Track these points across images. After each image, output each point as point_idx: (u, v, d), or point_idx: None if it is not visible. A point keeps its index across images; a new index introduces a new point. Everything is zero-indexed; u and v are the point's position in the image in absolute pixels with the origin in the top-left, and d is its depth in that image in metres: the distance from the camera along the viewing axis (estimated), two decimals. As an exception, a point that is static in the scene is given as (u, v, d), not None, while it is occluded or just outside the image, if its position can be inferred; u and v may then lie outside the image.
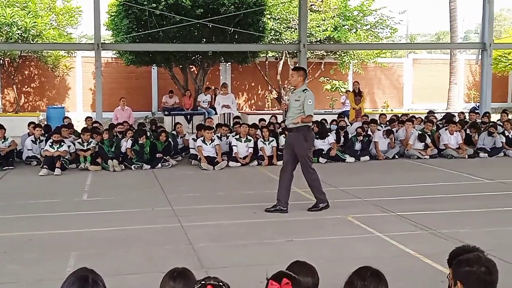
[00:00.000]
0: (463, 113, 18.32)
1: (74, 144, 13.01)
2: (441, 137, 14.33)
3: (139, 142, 12.80)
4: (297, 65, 21.29)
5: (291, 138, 8.50)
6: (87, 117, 16.54)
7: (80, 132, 13.79)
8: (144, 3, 18.72)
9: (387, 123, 15.40)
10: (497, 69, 26.67)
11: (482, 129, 14.99)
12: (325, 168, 12.71)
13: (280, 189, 8.48)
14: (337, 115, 17.22)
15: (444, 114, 19.18)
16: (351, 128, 15.29)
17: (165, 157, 12.93)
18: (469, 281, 2.91)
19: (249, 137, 13.18)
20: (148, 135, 13.61)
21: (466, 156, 13.87)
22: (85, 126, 14.95)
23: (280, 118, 16.21)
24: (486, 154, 14.02)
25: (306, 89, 8.44)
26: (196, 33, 19.80)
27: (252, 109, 25.99)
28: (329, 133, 13.99)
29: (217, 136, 13.26)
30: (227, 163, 12.76)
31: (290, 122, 8.40)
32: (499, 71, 27.34)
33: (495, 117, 18.07)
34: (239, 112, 20.05)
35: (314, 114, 8.56)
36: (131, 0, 18.92)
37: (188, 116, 20.00)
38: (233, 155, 13.03)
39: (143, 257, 6.29)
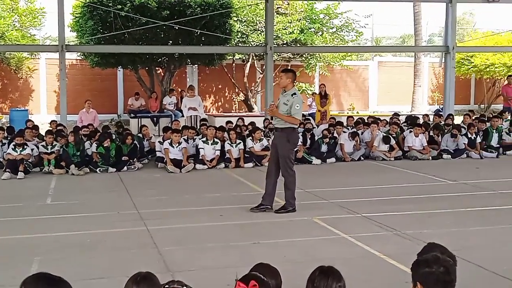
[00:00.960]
0: (427, 115, 18.56)
1: (38, 147, 12.80)
2: (405, 139, 14.52)
3: (105, 145, 12.66)
4: (264, 67, 21.37)
5: (276, 138, 8.68)
6: (52, 121, 16.30)
7: (43, 135, 13.57)
8: (110, 4, 18.55)
9: (353, 125, 15.54)
10: (460, 72, 27.15)
11: (446, 131, 15.23)
12: (291, 170, 12.77)
13: (266, 191, 8.62)
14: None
15: (407, 116, 19.44)
16: (317, 131, 15.41)
17: (131, 160, 12.81)
18: (428, 282, 2.95)
19: (216, 140, 13.15)
20: (114, 138, 13.47)
21: (430, 157, 14.08)
22: (49, 128, 14.71)
23: (247, 121, 16.21)
24: (449, 156, 14.26)
25: (295, 94, 8.51)
26: (162, 35, 19.70)
27: (219, 111, 25.96)
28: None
29: (183, 139, 13.19)
30: (194, 166, 12.72)
31: (277, 122, 8.54)
32: (462, 74, 27.84)
33: (458, 119, 18.37)
34: (206, 114, 20.00)
35: None
36: (96, 1, 18.72)
37: (155, 119, 19.87)
38: (200, 157, 12.99)
39: (108, 261, 6.22)
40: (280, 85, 8.80)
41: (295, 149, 8.54)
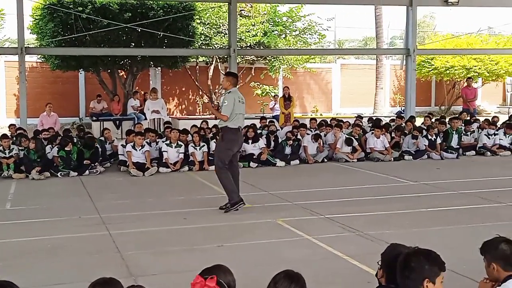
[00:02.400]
0: (394, 119, 18.59)
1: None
2: (367, 140, 14.69)
3: (66, 149, 12.47)
4: (227, 70, 21.36)
5: (220, 136, 9.10)
6: (10, 125, 15.97)
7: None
8: (70, 6, 18.30)
9: (316, 127, 15.65)
10: (420, 74, 27.62)
11: (407, 132, 15.46)
12: (256, 172, 12.81)
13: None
14: (265, 120, 17.28)
15: (369, 118, 19.66)
16: (281, 133, 15.46)
17: (93, 164, 12.65)
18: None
19: (179, 143, 13.08)
20: (75, 141, 13.28)
21: (392, 159, 14.27)
22: (4, 133, 14.34)
23: (211, 123, 16.16)
24: (411, 157, 14.47)
25: (229, 91, 8.81)
26: (124, 37, 19.53)
27: (183, 114, 25.84)
28: (259, 138, 14.10)
29: (146, 142, 13.08)
30: (157, 169, 12.63)
31: (218, 121, 8.95)
32: (423, 76, 28.32)
33: (419, 121, 18.66)
34: (169, 117, 19.89)
35: (244, 119, 8.86)
36: (56, 3, 18.44)
37: (117, 122, 19.66)
38: (164, 160, 12.90)
39: (69, 267, 6.12)
40: (223, 87, 9.16)
41: (230, 149, 8.76)
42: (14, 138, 13.55)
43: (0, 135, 13.32)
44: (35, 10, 20.46)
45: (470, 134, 15.74)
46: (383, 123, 16.49)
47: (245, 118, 20.81)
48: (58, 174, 12.23)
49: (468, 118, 17.22)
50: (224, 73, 9.43)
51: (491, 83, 29.97)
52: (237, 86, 9.15)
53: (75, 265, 6.17)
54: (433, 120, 17.12)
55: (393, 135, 15.36)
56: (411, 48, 19.68)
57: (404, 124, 16.47)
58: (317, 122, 16.18)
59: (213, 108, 8.95)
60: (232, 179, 8.77)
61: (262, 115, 21.16)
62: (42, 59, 22.34)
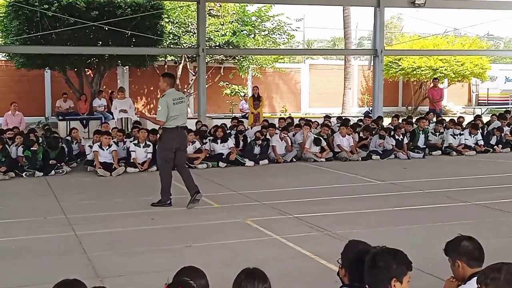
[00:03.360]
0: (362, 119, 18.67)
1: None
2: (334, 139, 14.79)
3: (32, 148, 12.26)
4: (196, 69, 21.28)
5: None
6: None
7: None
8: (36, 4, 18.01)
9: (285, 125, 15.68)
10: (388, 75, 27.90)
11: (374, 132, 15.59)
12: (225, 172, 12.78)
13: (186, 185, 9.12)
14: (236, 120, 17.26)
15: (338, 117, 19.78)
16: (250, 132, 15.45)
17: (59, 164, 12.45)
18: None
19: (148, 142, 12.96)
20: (40, 141, 13.06)
21: (360, 158, 14.38)
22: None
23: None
24: (378, 157, 14.59)
25: (164, 95, 9.00)
26: (91, 35, 19.30)
27: (152, 113, 25.64)
28: (228, 138, 14.06)
29: (113, 141, 12.93)
30: (125, 169, 12.50)
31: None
32: (390, 76, 28.61)
33: (387, 121, 18.84)
34: (138, 117, 19.72)
35: (213, 118, 9.04)
36: (21, 1, 18.12)
37: (84, 121, 19.42)
38: (131, 160, 12.78)
39: (34, 268, 6.01)
40: (160, 88, 9.44)
41: (169, 148, 9.04)
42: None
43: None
44: (0, 7, 20.09)
45: (438, 134, 15.95)
46: (352, 123, 16.57)
47: (215, 118, 20.88)
48: (23, 174, 12.01)
49: (438, 118, 17.45)
50: (161, 74, 9.62)
51: (457, 84, 30.43)
52: (174, 87, 9.25)
53: (40, 266, 6.06)
54: (400, 120, 17.30)
55: (361, 135, 15.48)
56: (378, 48, 19.86)
57: (371, 124, 16.61)
58: (285, 122, 16.25)
59: (152, 119, 9.47)
60: (184, 181, 9.06)
61: (233, 115, 21.13)
62: (7, 57, 21.93)
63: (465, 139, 15.71)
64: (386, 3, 20.04)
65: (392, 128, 15.62)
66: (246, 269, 3.17)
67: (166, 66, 24.57)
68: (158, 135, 9.44)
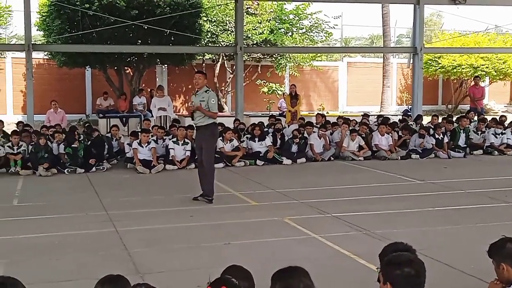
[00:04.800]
0: (402, 119, 18.46)
1: (4, 148, 12.54)
2: (372, 138, 14.66)
3: (73, 145, 12.49)
4: (233, 67, 21.35)
5: (200, 134, 9.29)
6: (19, 122, 16.01)
7: (10, 134, 13.34)
8: (77, 3, 18.29)
9: (322, 122, 15.64)
10: (428, 73, 27.50)
11: (414, 131, 15.40)
12: (262, 170, 12.79)
13: (202, 182, 9.20)
14: (269, 118, 17.25)
15: (377, 115, 19.60)
16: (287, 131, 15.43)
17: (99, 161, 12.65)
18: (399, 283, 2.99)
19: (186, 140, 13.05)
20: (81, 138, 13.29)
21: (399, 157, 14.22)
22: (15, 129, 14.45)
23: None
24: (418, 156, 14.41)
25: (208, 90, 9.23)
26: (131, 34, 19.51)
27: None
28: (266, 136, 14.07)
29: (153, 139, 13.07)
30: (164, 166, 12.62)
31: (199, 121, 9.16)
32: (430, 74, 28.19)
33: (426, 120, 18.59)
34: (176, 114, 19.88)
35: (250, 116, 9.03)
36: (63, 0, 18.46)
37: (124, 119, 19.67)
38: (170, 158, 12.89)
39: (76, 264, 6.12)
40: (197, 86, 9.26)
41: (215, 142, 9.67)
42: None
43: (11, 131, 13.46)
44: (42, 7, 20.51)
45: (480, 133, 15.66)
46: (391, 121, 16.39)
47: (252, 116, 20.90)
48: (65, 171, 12.25)
49: (480, 116, 17.14)
50: (197, 71, 9.67)
51: (498, 82, 29.81)
52: None
53: (81, 262, 6.16)
54: (440, 119, 17.04)
55: (400, 133, 15.31)
56: (418, 46, 19.61)
57: (411, 123, 16.41)
58: (323, 118, 16.21)
59: (206, 110, 9.04)
60: (206, 177, 9.17)
61: (270, 113, 21.13)
62: (49, 56, 22.34)
63: (507, 138, 15.40)
64: (426, 0, 19.75)
65: (432, 127, 15.41)
66: (287, 267, 3.16)
67: (204, 64, 24.71)
68: (206, 132, 9.15)
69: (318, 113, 18.24)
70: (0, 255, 6.37)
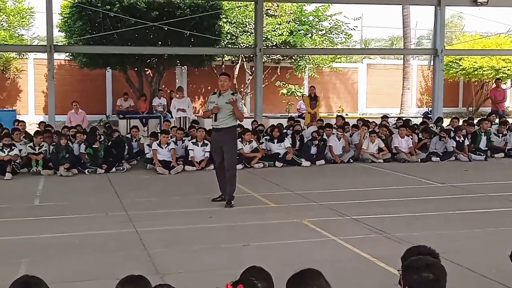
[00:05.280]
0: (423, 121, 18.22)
1: (26, 148, 12.70)
2: (392, 140, 14.58)
3: (94, 146, 12.60)
4: (253, 69, 21.37)
5: (222, 137, 8.98)
6: (41, 122, 16.19)
7: (32, 135, 13.50)
8: (98, 4, 18.47)
9: (342, 125, 15.57)
10: (448, 75, 27.28)
11: (434, 133, 15.28)
12: (281, 172, 12.79)
13: (223, 185, 9.11)
14: (293, 120, 17.22)
15: (397, 118, 19.47)
16: (306, 132, 15.40)
17: (119, 162, 12.74)
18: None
19: (205, 141, 13.09)
20: (102, 139, 13.39)
21: (419, 160, 14.13)
22: (37, 129, 14.62)
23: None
24: (438, 158, 14.30)
25: (234, 92, 9.25)
26: (151, 36, 19.64)
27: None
28: (285, 137, 14.07)
29: (172, 140, 13.14)
30: (183, 167, 12.67)
31: (222, 122, 8.90)
32: (451, 76, 27.97)
33: (446, 122, 18.43)
34: (195, 116, 19.95)
35: (269, 118, 9.01)
36: (84, 1, 18.63)
37: (144, 120, 19.79)
38: (189, 159, 12.94)
39: (96, 263, 6.17)
40: (223, 88, 9.08)
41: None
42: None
43: (33, 132, 13.63)
44: (64, 8, 20.73)
45: (502, 136, 15.49)
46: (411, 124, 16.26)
47: (271, 117, 20.90)
48: (85, 171, 12.35)
49: (501, 119, 16.96)
50: (223, 73, 9.56)
51: (520, 85, 29.51)
52: None
53: (101, 262, 6.21)
54: (461, 121, 16.89)
55: (420, 136, 15.21)
56: (439, 48, 19.48)
57: (431, 125, 16.29)
58: (343, 121, 16.14)
59: (239, 111, 8.97)
60: (227, 180, 9.03)
61: (289, 114, 21.12)
62: (70, 57, 22.59)
63: (529, 141, 15.22)
64: (447, 1, 19.61)
65: (453, 129, 15.28)
66: (301, 270, 3.16)
67: (223, 66, 24.77)
68: (229, 134, 8.98)
69: (338, 115, 18.19)
70: (21, 254, 6.44)
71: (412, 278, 2.98)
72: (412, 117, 21.54)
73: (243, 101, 25.30)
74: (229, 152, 8.98)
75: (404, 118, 18.57)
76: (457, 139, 14.63)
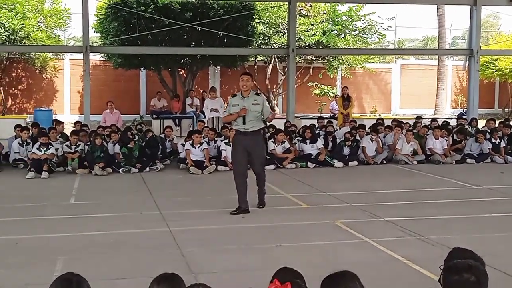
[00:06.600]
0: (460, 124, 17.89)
1: (62, 147, 12.93)
2: (426, 141, 14.43)
3: (128, 145, 12.75)
4: (285, 69, 21.37)
5: (251, 141, 8.57)
6: (76, 122, 16.47)
7: (68, 135, 13.74)
8: (133, 6, 18.70)
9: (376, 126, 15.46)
10: (484, 76, 26.85)
11: (470, 135, 15.06)
12: (313, 173, 12.76)
13: (244, 193, 8.70)
14: (323, 120, 17.14)
15: (432, 119, 19.25)
16: (339, 133, 15.33)
17: (153, 161, 12.88)
18: None
19: (238, 141, 13.10)
20: (136, 138, 13.55)
21: (454, 162, 13.95)
22: (74, 129, 14.86)
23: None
24: (473, 160, 14.10)
25: (258, 92, 9.00)
26: (185, 36, 19.79)
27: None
28: (317, 138, 14.03)
29: (205, 140, 13.22)
30: (215, 167, 12.73)
31: (252, 125, 8.52)
32: (486, 77, 27.53)
33: (482, 123, 18.17)
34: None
35: (301, 118, 8.87)
36: (119, 2, 18.87)
37: (177, 120, 19.95)
38: (222, 159, 13.00)
39: (130, 262, 6.25)
40: (246, 88, 8.65)
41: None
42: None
43: (70, 131, 13.88)
44: (100, 9, 21.02)
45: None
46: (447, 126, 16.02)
47: (303, 118, 20.86)
48: (120, 170, 12.51)
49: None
50: (245, 73, 9.11)
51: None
52: None
53: (136, 260, 6.29)
54: (497, 123, 16.61)
55: (455, 137, 15.00)
56: (474, 48, 19.20)
57: (467, 126, 16.06)
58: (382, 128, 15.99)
59: (271, 116, 8.76)
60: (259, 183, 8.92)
61: (320, 115, 21.05)
62: (106, 58, 22.90)
63: None
64: (484, 1, 19.33)
65: (489, 131, 15.05)
66: (336, 272, 3.15)
67: (256, 66, 24.82)
68: (257, 137, 8.71)
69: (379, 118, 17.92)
70: (58, 252, 6.55)
71: (453, 278, 2.95)
72: (446, 118, 21.29)
73: (275, 101, 25.34)
74: (259, 156, 8.74)
75: (438, 119, 18.34)
76: (493, 140, 14.40)
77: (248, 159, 8.68)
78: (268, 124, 9.07)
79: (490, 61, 27.25)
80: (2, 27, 20.96)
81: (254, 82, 24.56)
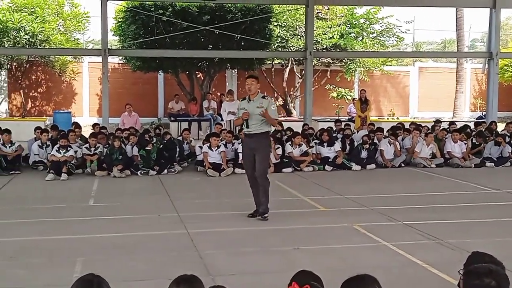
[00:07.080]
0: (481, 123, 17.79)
1: (81, 149, 13.04)
2: (445, 145, 14.33)
3: (146, 148, 12.83)
4: (303, 72, 21.36)
5: (255, 143, 8.34)
6: (95, 124, 16.59)
7: (87, 137, 13.85)
8: (151, 9, 18.81)
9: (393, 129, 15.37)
10: (503, 78, 26.61)
11: (489, 138, 14.93)
12: (331, 176, 12.73)
13: (257, 196, 8.46)
14: (340, 123, 17.09)
15: (450, 122, 19.11)
16: (356, 136, 15.29)
17: (171, 163, 12.95)
18: None
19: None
20: (154, 141, 13.62)
21: (473, 165, 13.84)
22: (93, 131, 14.99)
23: (286, 125, 16.15)
24: (493, 164, 13.98)
25: (265, 95, 8.56)
26: (202, 39, 19.87)
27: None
28: (335, 141, 13.99)
29: (222, 143, 13.25)
30: (233, 170, 12.76)
31: (255, 128, 8.30)
32: (506, 80, 27.27)
33: (501, 127, 18.00)
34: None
35: (319, 121, 8.74)
36: (138, 6, 19.00)
37: (195, 123, 20.00)
38: (240, 161, 13.00)
39: (148, 263, 6.28)
40: (251, 91, 8.38)
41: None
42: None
43: (89, 133, 14.00)
44: (118, 13, 21.17)
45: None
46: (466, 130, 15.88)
47: (320, 121, 20.80)
48: (138, 173, 12.58)
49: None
50: (250, 76, 8.64)
51: None
52: None
53: (154, 262, 6.32)
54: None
55: (474, 141, 14.89)
56: (493, 51, 19.04)
57: (485, 130, 15.92)
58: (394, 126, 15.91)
59: (271, 117, 8.28)
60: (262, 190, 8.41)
61: (337, 118, 21.00)
62: (124, 61, 23.06)
63: None
64: (503, 3, 19.16)
65: (508, 134, 14.91)
66: (356, 276, 3.14)
67: (273, 69, 24.83)
68: (262, 140, 8.37)
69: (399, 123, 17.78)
70: (77, 253, 6.61)
71: (473, 283, 2.92)
72: (465, 121, 21.13)
73: (292, 104, 25.29)
74: (261, 159, 8.35)
75: (456, 123, 18.22)
76: (513, 144, 14.27)
77: (253, 163, 8.40)
78: (273, 128, 8.40)
79: (509, 64, 27.01)
80: (22, 31, 21.20)
81: (271, 84, 24.64)
